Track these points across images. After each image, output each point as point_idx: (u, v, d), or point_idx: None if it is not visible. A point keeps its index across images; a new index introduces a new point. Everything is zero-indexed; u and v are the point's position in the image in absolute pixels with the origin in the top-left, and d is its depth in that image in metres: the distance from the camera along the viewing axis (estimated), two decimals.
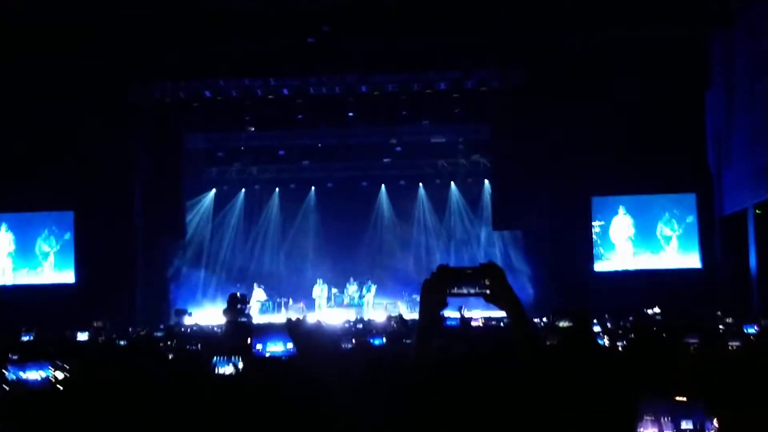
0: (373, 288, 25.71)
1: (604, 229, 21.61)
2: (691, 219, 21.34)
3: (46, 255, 21.90)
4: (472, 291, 3.06)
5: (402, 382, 3.32)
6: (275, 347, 5.39)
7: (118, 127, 20.94)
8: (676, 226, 21.39)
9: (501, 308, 3.03)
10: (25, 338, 12.61)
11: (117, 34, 19.16)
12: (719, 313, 15.44)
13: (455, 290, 3.07)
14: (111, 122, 20.63)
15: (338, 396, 4.09)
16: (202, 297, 23.56)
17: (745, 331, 10.19)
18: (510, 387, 3.04)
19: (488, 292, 3.04)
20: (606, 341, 8.24)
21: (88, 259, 21.36)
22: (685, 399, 3.23)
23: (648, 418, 3.12)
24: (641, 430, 3.02)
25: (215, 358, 6.12)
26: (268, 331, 6.01)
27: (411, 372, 3.08)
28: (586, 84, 20.04)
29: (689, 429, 3.15)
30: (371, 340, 8.39)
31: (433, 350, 3.11)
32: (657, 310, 17.04)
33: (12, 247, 22.05)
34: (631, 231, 21.59)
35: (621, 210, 21.65)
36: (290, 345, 5.32)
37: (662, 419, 3.13)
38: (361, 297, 25.69)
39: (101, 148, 20.41)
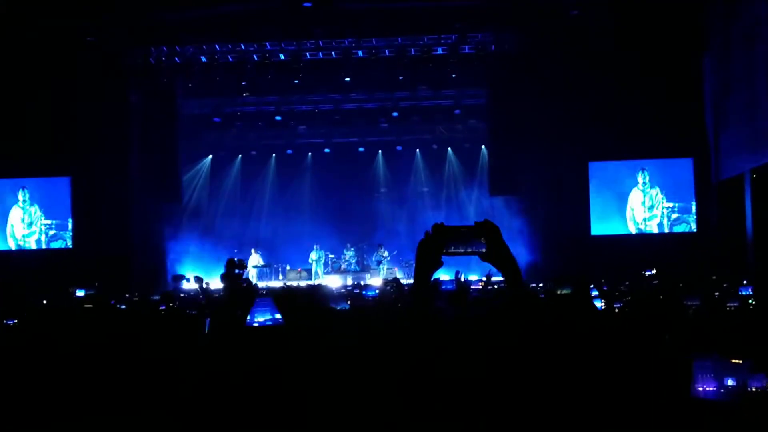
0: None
1: (601, 194, 21.55)
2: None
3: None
4: (467, 250, 3.01)
5: (395, 343, 3.30)
6: (261, 317, 5.35)
7: (113, 92, 20.81)
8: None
9: (496, 267, 2.99)
10: None
11: None
12: (714, 277, 15.46)
13: (451, 249, 3.02)
14: (107, 87, 20.49)
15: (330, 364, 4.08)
16: (199, 262, 23.50)
17: (741, 293, 10.23)
18: (506, 346, 3.01)
19: (484, 250, 2.99)
20: (602, 304, 8.25)
21: (84, 224, 21.32)
22: (733, 361, 3.22)
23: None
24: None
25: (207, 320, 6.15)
26: (254, 300, 5.99)
27: (405, 333, 3.06)
28: (583, 48, 19.90)
29: (732, 386, 3.15)
30: (365, 293, 8.52)
31: (427, 312, 3.08)
32: (653, 272, 17.09)
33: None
34: (628, 195, 21.55)
35: (618, 174, 21.59)
36: (278, 315, 5.28)
37: (701, 375, 3.13)
38: (374, 263, 25.56)
39: (97, 114, 20.29)
